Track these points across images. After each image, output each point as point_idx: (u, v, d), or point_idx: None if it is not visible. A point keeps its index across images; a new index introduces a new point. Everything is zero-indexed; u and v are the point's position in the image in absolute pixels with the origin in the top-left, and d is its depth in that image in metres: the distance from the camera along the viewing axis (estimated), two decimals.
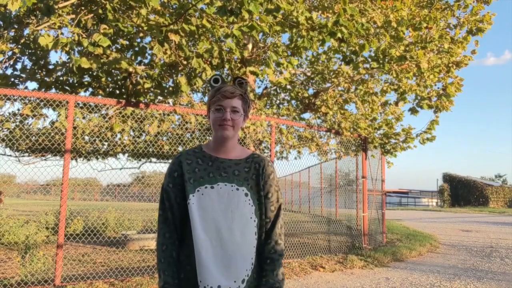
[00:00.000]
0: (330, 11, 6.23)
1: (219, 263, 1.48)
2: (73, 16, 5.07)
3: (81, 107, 5.54)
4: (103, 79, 6.08)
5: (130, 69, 5.22)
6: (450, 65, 7.94)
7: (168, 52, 5.14)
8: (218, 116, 1.59)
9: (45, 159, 6.66)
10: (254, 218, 1.57)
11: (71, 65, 4.68)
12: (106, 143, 6.42)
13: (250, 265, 1.53)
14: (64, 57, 5.87)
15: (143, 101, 5.59)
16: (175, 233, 1.58)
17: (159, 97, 5.87)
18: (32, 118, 5.50)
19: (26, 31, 5.52)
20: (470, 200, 29.61)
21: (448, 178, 31.96)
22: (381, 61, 6.25)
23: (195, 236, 1.49)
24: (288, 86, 8.94)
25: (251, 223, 1.56)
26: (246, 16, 4.08)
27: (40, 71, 5.93)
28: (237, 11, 3.93)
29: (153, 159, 7.82)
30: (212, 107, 1.62)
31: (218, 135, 1.61)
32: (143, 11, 4.71)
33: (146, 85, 5.34)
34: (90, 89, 6.42)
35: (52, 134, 5.50)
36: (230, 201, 1.54)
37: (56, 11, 4.65)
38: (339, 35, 4.83)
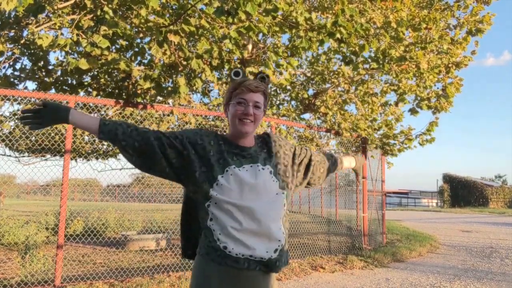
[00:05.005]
0: (330, 11, 6.23)
1: (253, 237, 1.51)
2: (74, 16, 5.07)
3: (81, 108, 5.54)
4: (102, 80, 6.08)
5: (128, 70, 5.22)
6: (450, 65, 7.94)
7: (168, 52, 5.14)
8: (240, 109, 1.57)
9: (45, 159, 6.67)
10: (281, 192, 1.62)
11: (68, 68, 4.67)
12: (105, 143, 6.42)
13: (282, 235, 1.58)
14: (63, 58, 5.88)
15: (142, 102, 5.59)
16: (142, 142, 1.54)
17: (159, 98, 5.87)
18: None
19: (26, 32, 5.53)
20: (470, 201, 29.53)
21: (448, 179, 31.88)
22: (381, 62, 6.24)
23: (226, 215, 1.50)
24: (288, 87, 8.94)
25: (279, 197, 1.60)
26: (244, 17, 4.08)
27: (39, 71, 5.94)
28: (233, 12, 3.92)
29: None
30: (233, 100, 1.59)
31: (237, 129, 1.60)
32: (143, 12, 4.71)
33: (146, 86, 5.34)
34: (89, 90, 6.42)
35: (52, 134, 5.50)
36: (258, 179, 1.56)
37: (56, 11, 4.65)
38: (338, 35, 4.84)
